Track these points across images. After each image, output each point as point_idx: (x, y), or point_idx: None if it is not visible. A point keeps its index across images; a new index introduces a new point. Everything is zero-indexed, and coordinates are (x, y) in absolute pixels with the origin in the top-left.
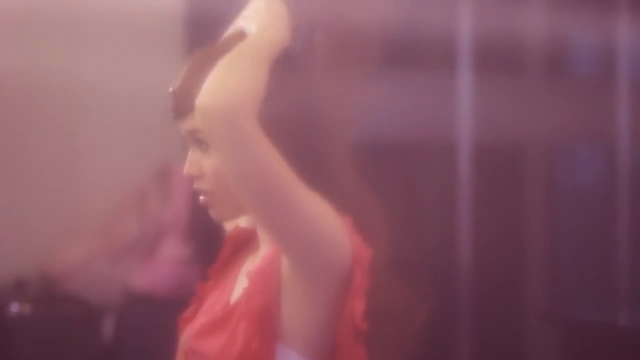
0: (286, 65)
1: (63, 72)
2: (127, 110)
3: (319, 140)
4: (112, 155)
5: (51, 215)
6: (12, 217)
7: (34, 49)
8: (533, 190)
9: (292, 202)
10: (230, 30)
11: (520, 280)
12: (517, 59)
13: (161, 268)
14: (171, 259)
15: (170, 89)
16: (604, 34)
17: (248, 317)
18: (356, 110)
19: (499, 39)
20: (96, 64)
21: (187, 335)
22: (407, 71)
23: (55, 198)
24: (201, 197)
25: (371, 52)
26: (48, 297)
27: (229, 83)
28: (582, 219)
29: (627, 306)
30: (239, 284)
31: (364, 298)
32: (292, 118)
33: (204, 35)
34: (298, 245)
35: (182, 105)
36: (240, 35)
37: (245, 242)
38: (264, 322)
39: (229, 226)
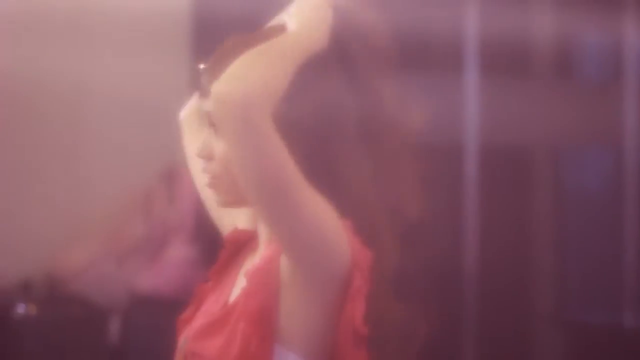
0: (316, 68)
1: (69, 75)
2: (134, 112)
3: (334, 144)
4: (118, 157)
5: (57, 216)
6: (19, 219)
7: (40, 51)
8: (540, 193)
9: (295, 200)
10: (273, 22)
11: (527, 282)
12: (525, 61)
13: (167, 269)
14: (177, 260)
15: (201, 66)
16: (611, 36)
17: (246, 317)
18: (380, 116)
19: (506, 41)
20: (102, 66)
21: (186, 336)
22: (415, 73)
23: (61, 200)
24: (207, 180)
25: (392, 58)
26: (54, 298)
27: (250, 74)
28: (589, 222)
29: (633, 309)
30: (238, 284)
31: (363, 302)
32: (310, 120)
33: (211, 37)
34: (298, 243)
35: (205, 85)
36: (280, 29)
37: (244, 244)
38: (262, 322)
39: (229, 221)
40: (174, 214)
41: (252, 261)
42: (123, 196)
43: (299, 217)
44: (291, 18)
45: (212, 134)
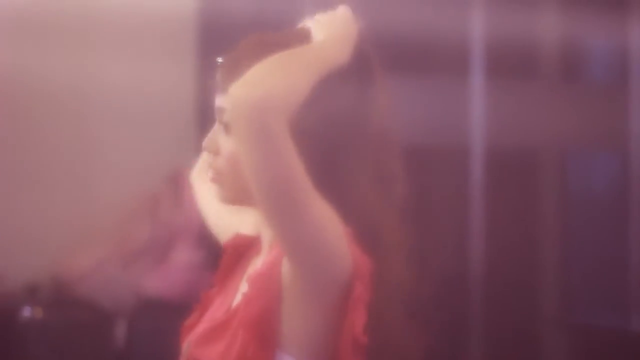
0: (336, 80)
1: (77, 77)
2: (140, 116)
3: (343, 153)
4: (125, 160)
5: (63, 220)
6: (24, 222)
7: (46, 55)
8: (546, 196)
9: (301, 207)
10: (299, 26)
11: (533, 285)
12: (531, 64)
13: (173, 273)
14: (183, 263)
15: (219, 60)
16: (617, 39)
17: (246, 322)
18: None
19: (512, 43)
20: (109, 69)
21: (189, 342)
22: (422, 76)
23: (67, 203)
24: (210, 175)
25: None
26: (60, 301)
27: (271, 80)
28: (595, 225)
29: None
30: (241, 290)
31: (364, 311)
32: (323, 129)
33: (217, 41)
34: (301, 249)
35: (221, 81)
36: (304, 36)
37: (246, 249)
38: (262, 328)
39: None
40: (180, 218)
41: (255, 266)
42: (129, 200)
43: (304, 224)
44: (319, 27)
45: (221, 130)
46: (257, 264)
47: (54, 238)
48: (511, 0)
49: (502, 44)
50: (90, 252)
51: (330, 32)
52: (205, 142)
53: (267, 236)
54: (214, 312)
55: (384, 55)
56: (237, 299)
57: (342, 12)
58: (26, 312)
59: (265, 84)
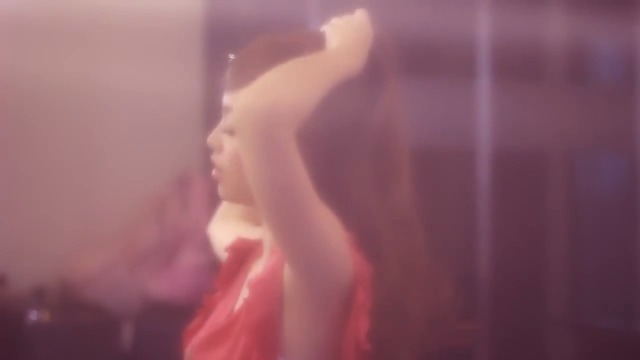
0: (343, 88)
1: (84, 80)
2: (148, 118)
3: (348, 160)
4: (132, 163)
5: (70, 223)
6: (31, 225)
7: (53, 58)
8: (553, 197)
9: (304, 216)
10: (314, 28)
11: (541, 286)
12: (537, 65)
13: (180, 276)
14: (190, 266)
15: (230, 57)
16: (624, 40)
17: (247, 328)
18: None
19: (518, 45)
20: (117, 70)
21: (191, 347)
22: (429, 78)
23: (74, 206)
24: (213, 171)
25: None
26: (67, 304)
27: (279, 90)
28: (602, 226)
29: None
30: (243, 294)
31: (367, 317)
32: (330, 136)
33: (224, 43)
34: (302, 256)
35: (230, 79)
36: (318, 39)
37: (248, 253)
38: (264, 333)
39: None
40: (187, 221)
41: (256, 270)
42: (136, 203)
43: (306, 232)
44: (333, 32)
45: (225, 128)
46: (258, 268)
47: (60, 241)
48: (518, 2)
49: (509, 46)
50: (97, 255)
51: (344, 38)
52: (210, 138)
53: (268, 239)
54: (217, 317)
55: (402, 60)
56: (239, 303)
57: (359, 17)
58: (33, 315)
59: (274, 94)
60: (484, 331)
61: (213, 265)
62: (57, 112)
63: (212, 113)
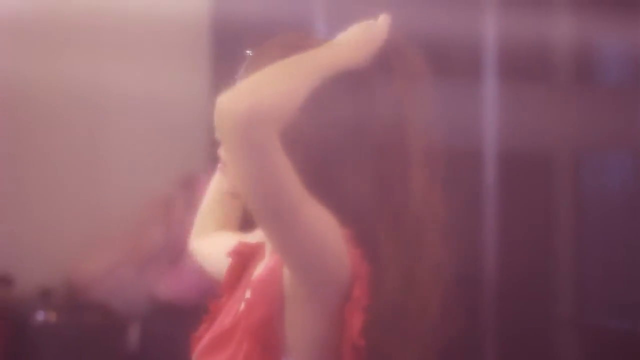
0: (350, 83)
1: (89, 81)
2: (153, 119)
3: (342, 158)
4: (138, 164)
5: (76, 223)
6: (37, 226)
7: (60, 59)
8: (559, 197)
9: (295, 218)
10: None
11: (547, 286)
12: (544, 66)
13: (186, 277)
14: (196, 267)
15: (248, 53)
16: (631, 40)
17: (249, 329)
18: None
19: (525, 46)
20: (122, 72)
21: (197, 351)
22: (435, 79)
23: (80, 207)
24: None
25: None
26: (73, 305)
27: (259, 92)
28: (608, 226)
29: None
30: (246, 296)
31: (362, 313)
32: (325, 135)
33: (230, 43)
34: (298, 259)
35: (245, 74)
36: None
37: (252, 256)
38: (265, 334)
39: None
40: (193, 222)
41: (258, 272)
42: (142, 203)
43: (297, 232)
44: (342, 34)
45: None
46: (260, 270)
47: (67, 242)
48: (524, 2)
49: (515, 46)
50: (103, 256)
51: (347, 35)
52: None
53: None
54: (221, 321)
55: (427, 65)
56: (242, 306)
57: (379, 21)
58: (40, 316)
59: (253, 96)
60: (490, 331)
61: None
62: (63, 113)
63: None
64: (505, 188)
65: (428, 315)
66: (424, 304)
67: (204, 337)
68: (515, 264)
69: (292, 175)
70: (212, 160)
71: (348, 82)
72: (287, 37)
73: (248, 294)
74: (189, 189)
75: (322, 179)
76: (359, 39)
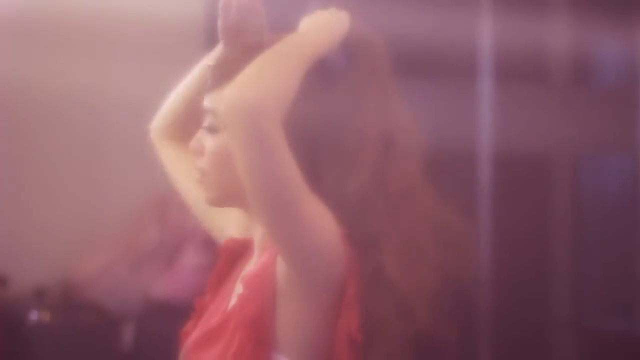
0: (323, 73)
1: (86, 83)
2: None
3: (335, 153)
4: (133, 163)
5: (71, 223)
6: (32, 226)
7: (57, 59)
8: (556, 199)
9: (296, 209)
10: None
11: (544, 289)
12: (540, 68)
13: (182, 276)
14: (191, 267)
15: (209, 64)
16: (627, 42)
17: (241, 323)
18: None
19: (521, 48)
20: (120, 73)
21: (186, 348)
22: (430, 81)
23: (75, 206)
24: (197, 176)
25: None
26: (68, 305)
27: (262, 81)
28: (606, 228)
29: None
30: (236, 292)
31: (358, 310)
32: (317, 129)
33: None
34: (295, 250)
35: (210, 82)
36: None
37: (240, 253)
38: (258, 328)
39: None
40: (189, 221)
41: (249, 268)
42: (137, 203)
43: (298, 223)
44: (304, 23)
45: (206, 129)
46: (250, 265)
47: (61, 242)
48: (520, 5)
49: (510, 49)
50: (98, 256)
51: (313, 22)
52: (192, 143)
53: (258, 237)
54: (209, 318)
55: (395, 61)
56: (233, 301)
57: (331, 10)
58: (34, 315)
59: (258, 86)
60: (487, 333)
61: (214, 265)
62: (60, 113)
63: None
64: (502, 190)
65: (424, 315)
66: (421, 305)
67: (193, 334)
68: (512, 265)
69: (295, 166)
70: None
71: (317, 71)
72: (243, 42)
73: (239, 289)
74: None
75: (315, 174)
76: (327, 26)
